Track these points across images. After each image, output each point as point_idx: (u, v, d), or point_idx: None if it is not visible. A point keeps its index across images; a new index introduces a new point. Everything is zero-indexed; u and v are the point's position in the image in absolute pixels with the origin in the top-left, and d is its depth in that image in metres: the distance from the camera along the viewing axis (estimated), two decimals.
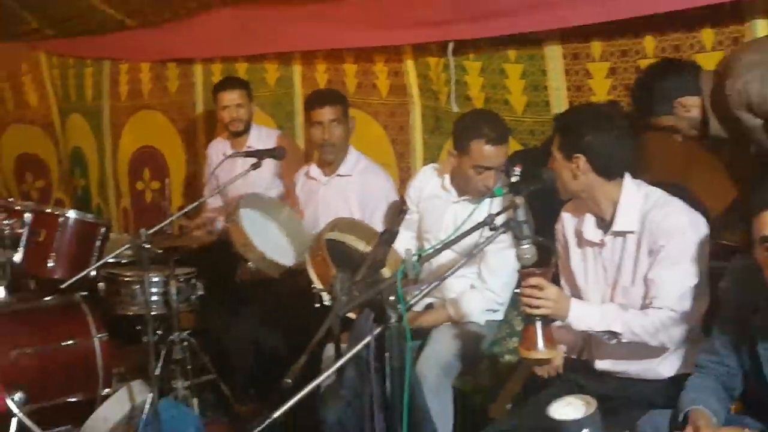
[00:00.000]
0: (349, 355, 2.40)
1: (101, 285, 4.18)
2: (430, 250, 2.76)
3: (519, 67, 4.04)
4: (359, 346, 2.40)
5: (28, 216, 4.08)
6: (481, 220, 2.64)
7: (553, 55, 3.91)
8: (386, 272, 3.10)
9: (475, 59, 4.21)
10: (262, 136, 4.76)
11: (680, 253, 2.70)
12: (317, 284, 3.28)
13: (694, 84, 3.05)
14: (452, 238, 2.69)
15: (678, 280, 2.70)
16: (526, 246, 2.61)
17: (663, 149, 3.51)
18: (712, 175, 3.41)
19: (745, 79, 2.80)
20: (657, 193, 2.82)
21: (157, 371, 3.78)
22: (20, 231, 4.05)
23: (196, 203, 4.41)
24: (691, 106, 3.06)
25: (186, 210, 4.32)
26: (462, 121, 3.51)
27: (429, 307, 3.55)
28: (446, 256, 3.03)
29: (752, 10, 3.26)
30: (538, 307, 2.58)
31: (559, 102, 3.91)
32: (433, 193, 3.63)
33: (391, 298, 2.40)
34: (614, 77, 3.72)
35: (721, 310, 2.64)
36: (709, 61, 3.39)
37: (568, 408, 2.12)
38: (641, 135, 3.43)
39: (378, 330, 2.38)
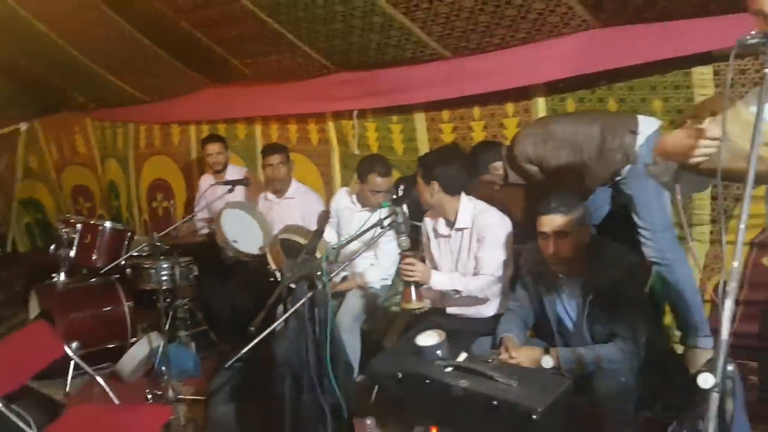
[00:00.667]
0: (291, 310, 2.40)
1: (128, 270, 4.14)
2: (342, 242, 2.81)
3: (399, 126, 4.08)
4: (298, 304, 2.41)
5: (79, 226, 4.06)
6: (374, 222, 2.70)
7: (420, 119, 3.96)
8: (318, 256, 3.12)
9: (372, 121, 4.23)
10: (235, 172, 4.67)
11: (495, 240, 2.79)
12: (272, 265, 3.27)
13: (498, 154, 3.15)
14: (355, 234, 2.74)
15: (494, 257, 2.79)
16: (403, 238, 2.66)
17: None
18: (515, 199, 3.51)
19: (525, 144, 2.92)
20: (481, 203, 2.90)
21: (167, 326, 3.71)
22: (74, 236, 4.04)
23: (189, 216, 4.51)
24: (498, 167, 3.15)
25: (183, 221, 4.44)
26: (362, 161, 3.53)
27: (345, 278, 3.56)
28: (355, 245, 3.03)
29: (535, 92, 3.39)
30: (411, 276, 2.64)
31: (424, 148, 3.95)
32: (345, 206, 3.64)
33: (318, 273, 2.44)
34: (455, 133, 3.80)
35: (520, 275, 2.73)
36: (510, 122, 3.55)
37: (428, 338, 2.16)
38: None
39: (310, 294, 2.41)
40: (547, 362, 2.37)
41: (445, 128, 3.87)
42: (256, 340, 2.26)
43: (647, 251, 2.73)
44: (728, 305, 1.21)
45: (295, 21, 3.63)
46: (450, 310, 2.93)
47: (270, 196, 4.11)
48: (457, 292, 2.77)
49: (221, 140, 4.74)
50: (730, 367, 1.22)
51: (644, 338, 2.36)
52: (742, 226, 1.25)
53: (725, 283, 1.24)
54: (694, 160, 1.47)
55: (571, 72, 3.09)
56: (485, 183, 3.24)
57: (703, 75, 2.77)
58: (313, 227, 3.76)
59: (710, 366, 1.20)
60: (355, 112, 4.24)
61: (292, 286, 2.73)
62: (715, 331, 1.25)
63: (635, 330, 2.36)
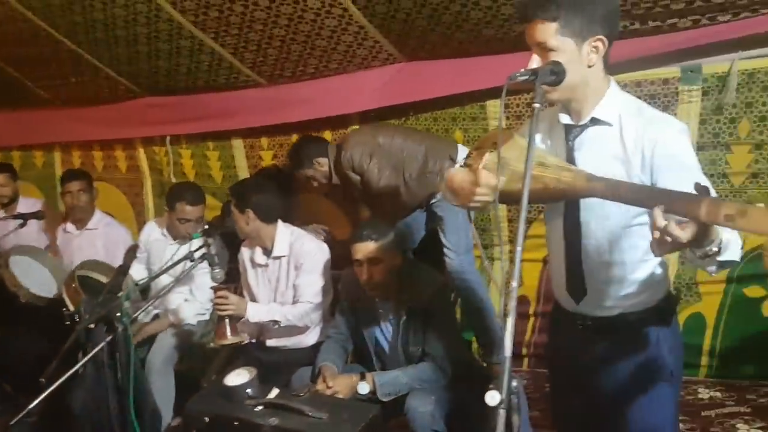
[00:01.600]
0: (87, 357, 2.20)
1: None
2: (148, 278, 2.63)
3: (216, 153, 3.96)
4: (95, 350, 2.21)
5: None
6: (184, 255, 2.57)
7: (238, 145, 3.88)
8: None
9: (186, 147, 4.06)
10: (29, 204, 4.16)
11: (313, 266, 2.77)
12: (70, 307, 2.95)
13: (324, 150, 3.12)
14: (163, 268, 2.58)
15: (313, 283, 2.77)
16: (217, 270, 2.57)
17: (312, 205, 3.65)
18: (337, 221, 3.57)
19: (352, 152, 2.94)
20: (298, 231, 2.88)
21: None
22: None
23: None
24: (323, 163, 3.11)
25: None
26: (171, 189, 3.33)
27: (156, 317, 3.32)
28: (166, 280, 2.87)
29: (351, 121, 3.48)
30: (225, 310, 2.55)
31: (244, 175, 3.87)
32: (156, 238, 3.39)
33: (118, 314, 2.26)
34: (276, 160, 3.77)
35: (340, 301, 2.72)
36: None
37: (238, 377, 2.07)
38: (297, 195, 3.53)
39: (109, 337, 2.22)
40: (363, 388, 2.39)
41: (265, 155, 3.83)
42: (46, 392, 2.04)
43: (451, 271, 2.88)
44: (509, 323, 1.26)
45: (95, 42, 3.40)
46: (270, 342, 2.86)
47: (69, 227, 3.74)
48: (276, 322, 2.71)
49: (7, 170, 4.20)
50: (514, 383, 1.27)
51: (453, 356, 2.47)
52: (518, 248, 1.33)
53: (506, 303, 1.30)
54: (472, 205, 1.56)
55: (382, 102, 3.23)
56: (306, 179, 3.19)
57: (496, 107, 3.01)
58: (119, 263, 3.48)
59: (497, 383, 1.25)
60: (168, 138, 4.05)
61: (91, 327, 2.52)
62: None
63: (445, 348, 2.46)
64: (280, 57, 3.20)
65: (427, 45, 2.94)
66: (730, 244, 1.27)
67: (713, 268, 1.32)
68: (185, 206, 3.15)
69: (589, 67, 1.50)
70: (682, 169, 1.43)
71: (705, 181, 1.42)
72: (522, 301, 3.25)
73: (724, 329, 2.90)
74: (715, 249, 1.24)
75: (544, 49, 1.46)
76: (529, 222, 3.05)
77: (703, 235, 1.19)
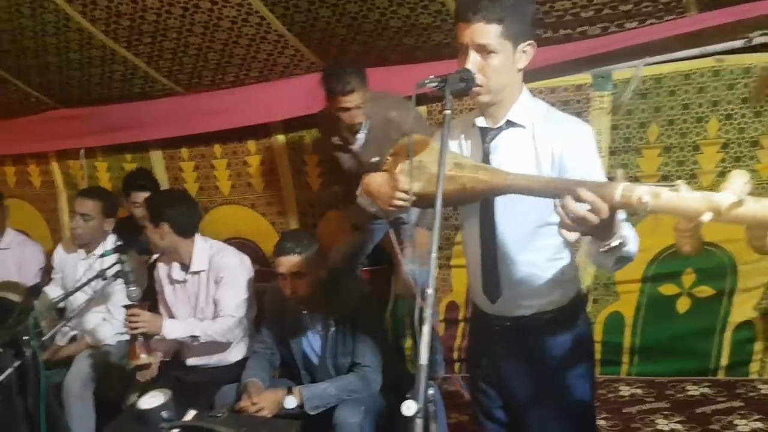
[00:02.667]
0: None
1: None
2: (58, 299, 2.50)
3: (134, 165, 3.79)
4: (2, 377, 2.09)
5: None
6: (96, 273, 2.44)
7: (157, 157, 3.76)
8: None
9: (102, 160, 3.91)
10: None
11: (234, 279, 2.70)
12: None
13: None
14: (74, 288, 2.47)
15: (235, 296, 2.69)
16: (133, 288, 2.46)
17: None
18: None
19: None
20: (218, 244, 2.81)
21: None
22: None
23: None
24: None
25: None
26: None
27: (74, 338, 3.15)
28: (82, 298, 2.74)
29: (276, 130, 3.43)
30: (137, 328, 2.44)
31: (163, 187, 3.70)
32: (68, 256, 3.25)
33: (26, 338, 2.14)
34: (197, 171, 3.67)
35: (266, 314, 2.69)
36: (253, 160, 3.54)
37: (152, 400, 1.99)
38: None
39: (17, 363, 2.10)
40: (290, 402, 2.35)
41: (185, 167, 3.73)
42: None
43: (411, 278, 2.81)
44: (425, 330, 1.26)
45: (2, 53, 3.23)
46: (190, 361, 2.76)
47: None
48: (195, 338, 2.61)
49: None
50: (431, 391, 1.27)
51: (383, 365, 2.46)
52: (433, 255, 1.33)
53: (422, 310, 1.30)
54: (390, 209, 1.57)
55: (305, 111, 3.17)
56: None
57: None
58: (33, 283, 3.30)
59: (413, 393, 1.24)
60: (82, 151, 3.89)
61: None
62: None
63: (374, 357, 2.45)
64: (197, 65, 3.12)
65: (349, 53, 2.93)
66: (629, 240, 1.34)
67: (611, 263, 1.39)
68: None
69: (519, 71, 1.55)
70: (586, 168, 1.50)
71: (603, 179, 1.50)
72: (451, 306, 3.28)
73: (642, 327, 3.01)
74: (617, 242, 1.30)
75: (484, 51, 1.48)
76: (457, 228, 3.08)
77: (609, 224, 1.25)
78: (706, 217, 1.05)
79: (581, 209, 1.22)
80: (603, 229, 1.26)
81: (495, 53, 1.48)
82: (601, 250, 1.33)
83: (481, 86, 1.50)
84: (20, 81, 3.50)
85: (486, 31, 1.46)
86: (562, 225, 1.27)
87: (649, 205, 1.12)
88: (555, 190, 1.33)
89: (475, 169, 1.48)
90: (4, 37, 3.08)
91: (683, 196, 1.08)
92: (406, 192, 1.54)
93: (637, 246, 1.39)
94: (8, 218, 3.62)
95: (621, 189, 1.17)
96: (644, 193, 1.13)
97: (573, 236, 1.30)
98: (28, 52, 3.19)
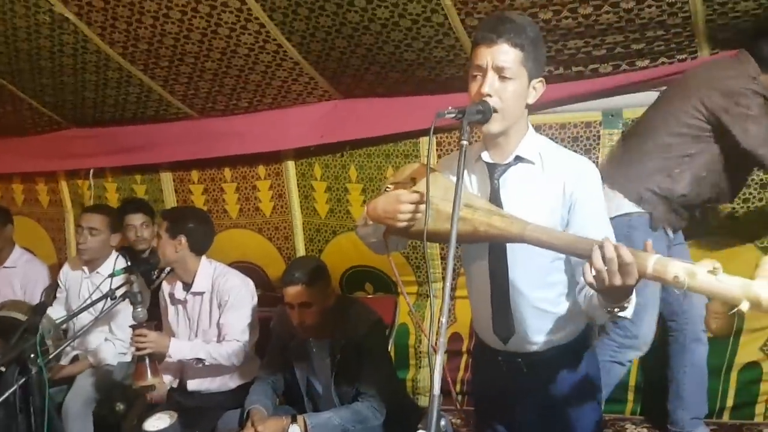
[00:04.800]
0: None
1: None
2: (64, 318, 2.50)
3: (143, 187, 3.84)
4: (6, 394, 2.09)
5: None
6: (104, 293, 2.44)
7: (167, 179, 3.78)
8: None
9: (112, 180, 3.93)
10: None
11: (238, 303, 2.69)
12: None
13: None
14: (81, 307, 2.46)
15: (239, 320, 2.69)
16: (139, 309, 2.47)
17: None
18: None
19: None
20: (222, 267, 2.81)
21: None
22: None
23: None
24: None
25: None
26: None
27: (75, 358, 3.16)
28: (86, 317, 2.72)
29: (286, 156, 3.45)
30: (144, 348, 2.44)
31: (170, 205, 3.75)
32: (73, 273, 3.26)
33: (32, 355, 2.14)
34: (206, 194, 3.71)
35: (272, 339, 2.67)
36: (263, 185, 3.56)
37: (158, 421, 1.98)
38: None
39: (22, 380, 2.10)
40: (295, 431, 2.33)
41: (195, 189, 3.75)
42: None
43: None
44: (438, 360, 1.26)
45: (17, 72, 3.29)
46: (191, 385, 2.74)
47: None
48: (200, 361, 2.61)
49: None
50: (442, 422, 1.27)
51: (388, 395, 2.45)
52: (447, 284, 1.34)
53: (437, 339, 1.30)
54: (400, 225, 1.55)
55: (318, 139, 3.23)
56: None
57: (428, 145, 3.05)
58: (37, 302, 3.31)
59: (425, 422, 1.24)
60: (91, 171, 3.92)
61: (2, 369, 2.37)
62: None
63: (380, 387, 2.43)
64: (212, 90, 3.17)
65: (363, 83, 2.98)
66: (632, 302, 1.36)
67: (604, 319, 1.45)
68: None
69: (527, 106, 1.57)
70: (593, 209, 1.54)
71: (609, 224, 1.54)
72: (455, 338, 3.26)
73: (648, 365, 2.99)
74: (627, 305, 1.33)
75: (501, 74, 1.49)
76: (461, 259, 3.08)
77: (630, 290, 1.27)
78: (745, 306, 1.05)
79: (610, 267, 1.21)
80: (621, 292, 1.27)
81: (512, 79, 1.49)
82: (608, 309, 1.34)
83: (497, 111, 1.50)
84: (34, 100, 3.54)
85: (509, 54, 1.48)
86: (585, 280, 1.28)
87: (685, 284, 1.12)
88: (580, 251, 1.32)
89: (488, 214, 1.47)
90: (21, 56, 3.14)
91: (721, 281, 1.08)
92: (415, 201, 1.51)
93: (633, 309, 1.39)
94: (15, 236, 3.64)
95: (654, 261, 1.17)
96: (680, 271, 1.12)
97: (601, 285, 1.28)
98: (44, 72, 3.24)
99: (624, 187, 2.41)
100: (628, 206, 2.40)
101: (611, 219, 1.69)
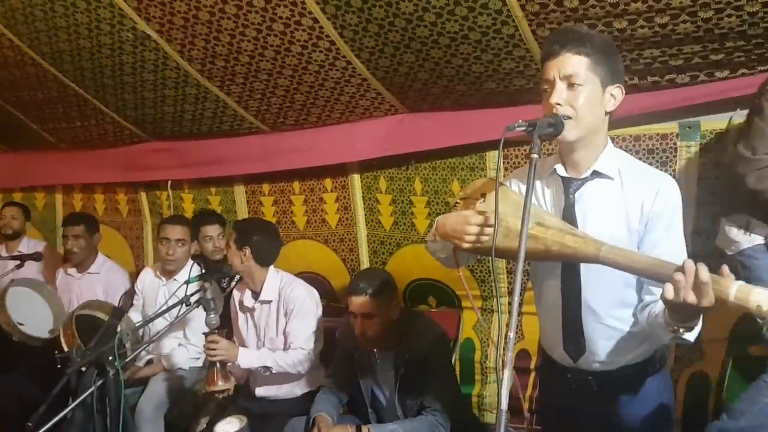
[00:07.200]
0: (76, 402, 2.17)
1: None
2: (141, 322, 2.60)
3: (217, 198, 3.97)
4: (85, 394, 2.20)
5: None
6: (180, 299, 2.53)
7: (239, 191, 3.90)
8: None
9: (188, 192, 4.09)
10: (31, 245, 4.20)
11: (303, 312, 2.75)
12: (64, 349, 2.90)
13: None
14: (157, 312, 2.57)
15: (305, 329, 2.74)
16: (212, 316, 2.54)
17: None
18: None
19: None
20: (288, 276, 2.87)
21: None
22: None
23: None
24: None
25: None
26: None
27: (150, 361, 3.28)
28: (161, 323, 2.82)
29: (352, 169, 3.50)
30: (215, 355, 2.51)
31: (242, 216, 3.87)
32: (150, 282, 3.41)
33: (110, 358, 2.24)
34: (276, 206, 3.79)
35: (337, 349, 2.71)
36: (329, 197, 3.62)
37: (228, 425, 2.03)
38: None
39: (99, 382, 2.21)
40: None
41: (265, 201, 3.84)
42: None
43: None
44: (506, 375, 1.24)
45: (101, 87, 3.46)
46: (259, 392, 2.80)
47: (71, 270, 3.74)
48: (267, 369, 2.66)
49: (22, 207, 4.29)
50: None
51: (452, 410, 2.42)
52: (516, 299, 1.31)
53: (504, 353, 1.28)
54: (466, 246, 1.53)
55: (383, 152, 3.26)
56: None
57: (495, 158, 3.03)
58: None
59: None
60: (169, 183, 4.08)
61: (83, 370, 2.49)
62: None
63: (444, 402, 2.42)
64: (283, 106, 3.25)
65: (429, 97, 2.99)
66: (697, 327, 1.33)
67: (667, 339, 1.41)
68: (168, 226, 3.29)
69: (606, 113, 1.52)
70: (669, 227, 1.49)
71: (683, 244, 1.50)
72: (522, 355, 3.19)
73: (729, 388, 2.83)
74: (695, 332, 1.32)
75: (571, 83, 1.47)
76: (528, 273, 3.03)
77: (702, 313, 1.26)
78: None
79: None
80: (692, 313, 1.25)
81: (582, 86, 1.46)
82: (674, 328, 1.31)
83: (570, 118, 1.46)
84: (117, 114, 3.73)
85: (573, 62, 1.46)
86: (664, 295, 1.25)
87: (764, 311, 1.11)
88: (659, 275, 1.29)
89: (561, 233, 1.44)
90: (105, 72, 3.31)
91: None
92: (482, 223, 1.49)
93: (696, 334, 1.36)
94: (98, 244, 3.83)
95: (736, 289, 1.16)
96: (763, 300, 1.11)
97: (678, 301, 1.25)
98: (127, 87, 3.40)
99: None
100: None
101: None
